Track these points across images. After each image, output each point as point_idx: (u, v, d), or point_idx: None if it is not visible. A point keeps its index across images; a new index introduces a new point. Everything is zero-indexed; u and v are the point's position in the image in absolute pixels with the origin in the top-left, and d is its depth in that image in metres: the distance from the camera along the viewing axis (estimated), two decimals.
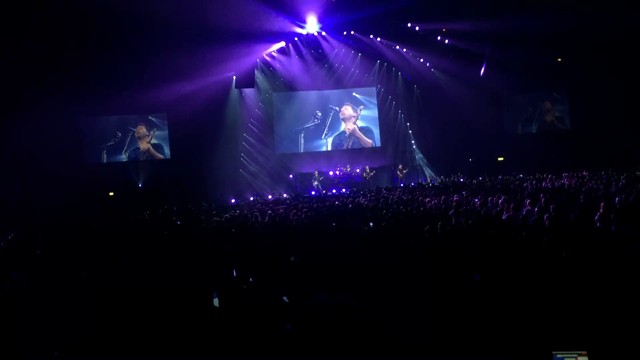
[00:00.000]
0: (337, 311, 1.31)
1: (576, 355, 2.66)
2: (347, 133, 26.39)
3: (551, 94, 26.88)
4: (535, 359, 2.75)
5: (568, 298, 4.35)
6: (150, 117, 24.20)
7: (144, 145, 24.26)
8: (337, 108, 26.34)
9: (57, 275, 5.73)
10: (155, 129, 24.28)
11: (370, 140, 26.55)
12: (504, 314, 4.39)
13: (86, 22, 18.13)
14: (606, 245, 6.19)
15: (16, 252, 8.13)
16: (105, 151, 23.74)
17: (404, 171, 24.91)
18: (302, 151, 26.02)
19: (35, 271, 5.42)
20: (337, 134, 26.40)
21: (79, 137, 23.07)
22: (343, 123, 26.39)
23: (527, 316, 4.19)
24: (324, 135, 26.21)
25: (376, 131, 26.59)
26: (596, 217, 8.47)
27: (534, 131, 26.86)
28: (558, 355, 2.69)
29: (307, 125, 26.08)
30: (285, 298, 5.27)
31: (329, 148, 26.26)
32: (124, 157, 24.05)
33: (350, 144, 26.43)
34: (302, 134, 26.03)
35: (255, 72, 24.43)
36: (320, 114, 26.16)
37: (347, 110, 26.37)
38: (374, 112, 26.59)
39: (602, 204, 9.05)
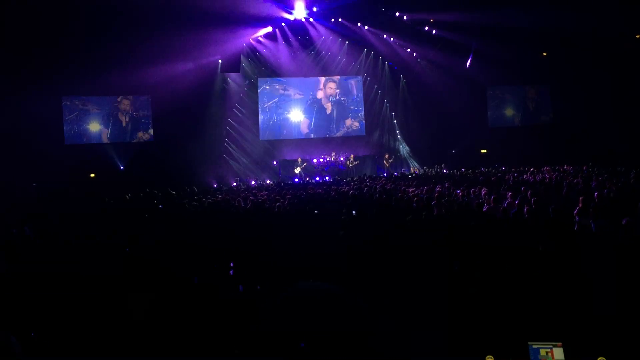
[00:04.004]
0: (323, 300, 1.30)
1: (552, 347, 2.69)
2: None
3: (535, 88, 27.14)
4: (511, 350, 2.78)
5: (545, 290, 4.41)
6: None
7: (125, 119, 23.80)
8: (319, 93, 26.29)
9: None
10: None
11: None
12: (480, 305, 4.44)
13: (71, 2, 17.78)
14: (584, 239, 6.29)
15: None
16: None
17: (390, 160, 24.95)
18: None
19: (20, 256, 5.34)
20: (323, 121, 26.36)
21: (60, 117, 22.70)
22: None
23: (504, 308, 4.24)
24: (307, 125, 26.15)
25: (361, 120, 26.57)
26: (575, 211, 8.59)
27: (517, 124, 27.10)
28: (534, 346, 2.71)
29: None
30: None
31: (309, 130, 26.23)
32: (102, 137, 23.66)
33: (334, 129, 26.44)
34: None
35: (241, 56, 24.16)
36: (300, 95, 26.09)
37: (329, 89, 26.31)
38: (359, 101, 26.55)
39: (580, 198, 9.18)
